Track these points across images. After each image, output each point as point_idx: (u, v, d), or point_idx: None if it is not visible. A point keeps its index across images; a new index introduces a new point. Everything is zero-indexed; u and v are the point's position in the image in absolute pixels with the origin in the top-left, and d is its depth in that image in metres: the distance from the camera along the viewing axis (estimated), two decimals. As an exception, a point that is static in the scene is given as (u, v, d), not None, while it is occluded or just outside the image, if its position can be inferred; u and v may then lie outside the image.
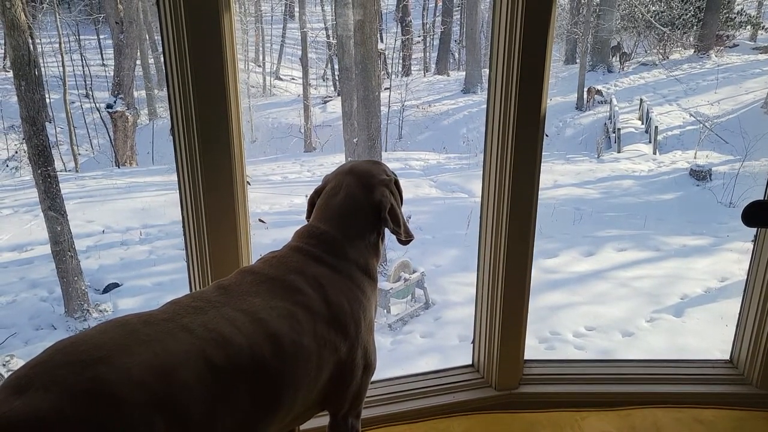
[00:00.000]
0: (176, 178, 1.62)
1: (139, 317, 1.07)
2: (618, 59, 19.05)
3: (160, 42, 1.53)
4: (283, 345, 1.14)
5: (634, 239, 8.01)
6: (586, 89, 16.35)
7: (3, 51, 16.98)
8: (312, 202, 1.48)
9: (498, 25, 1.68)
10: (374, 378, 1.98)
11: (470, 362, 2.07)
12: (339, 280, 1.31)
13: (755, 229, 1.89)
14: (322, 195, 1.45)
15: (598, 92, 16.34)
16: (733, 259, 7.23)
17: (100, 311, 7.02)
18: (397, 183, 1.50)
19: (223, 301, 1.16)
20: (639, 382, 2.00)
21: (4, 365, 5.58)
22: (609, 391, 1.97)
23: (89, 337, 0.99)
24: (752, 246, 1.97)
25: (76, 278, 7.04)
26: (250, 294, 1.20)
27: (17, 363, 5.58)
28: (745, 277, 1.98)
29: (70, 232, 7.16)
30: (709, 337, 5.73)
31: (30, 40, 7.34)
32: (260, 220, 7.89)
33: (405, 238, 1.44)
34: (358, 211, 1.40)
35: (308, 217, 1.48)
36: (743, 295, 2.00)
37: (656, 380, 2.00)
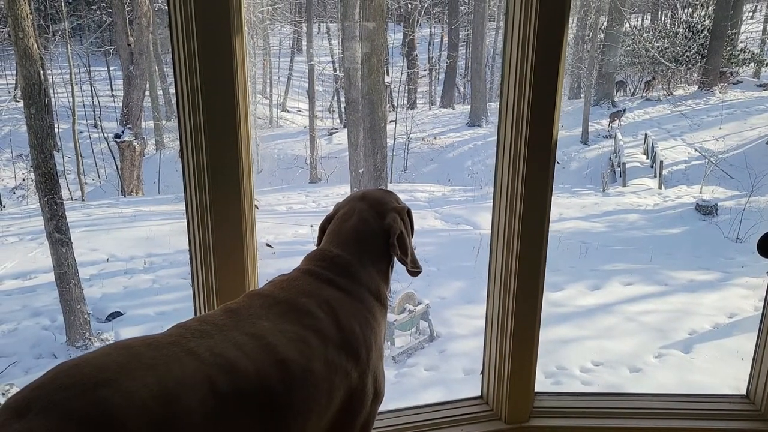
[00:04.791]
0: (182, 207, 1.61)
1: (143, 340, 1.04)
2: (642, 87, 19.32)
3: (171, 71, 1.54)
4: (292, 371, 1.10)
5: (640, 273, 7.95)
6: (609, 115, 16.78)
7: (14, 81, 17.23)
8: (323, 229, 1.47)
9: (509, 55, 1.68)
10: (379, 409, 1.94)
11: (479, 394, 2.02)
12: (350, 304, 1.28)
13: (769, 261, 1.86)
14: (334, 220, 1.44)
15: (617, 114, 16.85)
16: (742, 295, 7.15)
17: (102, 340, 6.96)
18: (409, 213, 1.50)
19: (231, 324, 1.13)
20: (653, 416, 1.95)
21: (3, 394, 5.52)
22: (622, 425, 1.92)
23: (92, 359, 0.97)
24: (767, 278, 1.94)
25: (78, 306, 7.00)
26: (258, 317, 1.17)
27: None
28: (762, 309, 1.94)
29: (75, 260, 7.15)
30: (719, 373, 5.64)
31: (41, 71, 7.44)
32: (267, 245, 7.86)
33: (411, 267, 1.42)
34: (371, 236, 1.39)
35: (318, 243, 1.47)
36: (759, 328, 1.96)
37: (671, 415, 1.95)
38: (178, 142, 1.57)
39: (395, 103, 19.02)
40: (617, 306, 7.13)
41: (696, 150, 14.45)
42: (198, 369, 1.01)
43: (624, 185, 12.95)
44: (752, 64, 19.30)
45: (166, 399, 0.94)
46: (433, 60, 24.34)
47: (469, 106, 19.47)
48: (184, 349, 1.03)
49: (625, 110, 17.22)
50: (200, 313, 1.67)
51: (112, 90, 19.56)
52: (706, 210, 10.11)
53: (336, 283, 1.29)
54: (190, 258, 1.65)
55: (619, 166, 13.79)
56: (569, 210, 10.81)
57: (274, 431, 1.08)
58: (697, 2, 20.40)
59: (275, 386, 1.08)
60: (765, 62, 19.35)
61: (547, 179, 1.71)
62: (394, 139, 16.08)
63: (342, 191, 11.91)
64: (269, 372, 1.08)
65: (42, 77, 7.34)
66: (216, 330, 1.11)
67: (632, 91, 19.95)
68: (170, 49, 1.49)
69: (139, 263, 8.52)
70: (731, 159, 13.45)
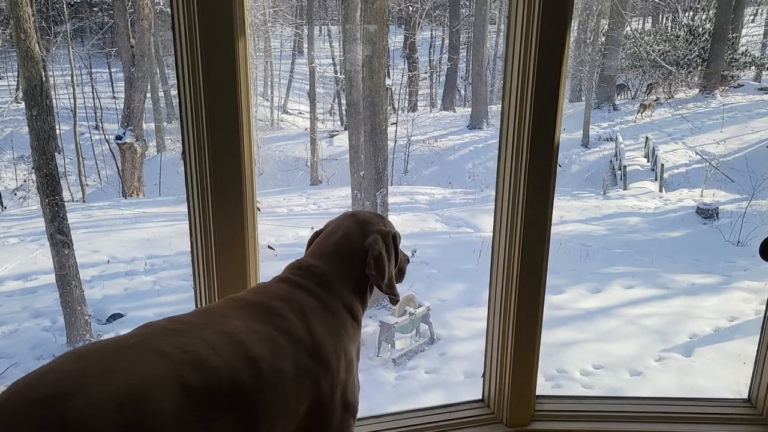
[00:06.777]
0: (183, 209, 1.61)
1: (103, 344, 1.03)
2: (643, 90, 19.43)
3: (172, 73, 1.54)
4: (262, 369, 1.10)
5: (641, 276, 7.94)
6: (639, 105, 16.93)
7: (16, 83, 17.26)
8: (311, 243, 1.49)
9: (511, 58, 1.68)
10: (379, 412, 1.94)
11: (480, 397, 2.02)
12: (323, 313, 1.29)
13: (771, 264, 1.86)
14: (321, 235, 1.46)
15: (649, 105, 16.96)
16: (743, 298, 7.14)
17: (102, 342, 6.96)
18: (395, 238, 1.48)
19: (203, 323, 1.14)
20: (655, 420, 1.94)
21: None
22: (622, 429, 1.91)
23: (56, 368, 0.95)
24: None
25: (79, 308, 7.00)
26: (231, 317, 1.17)
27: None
28: (763, 312, 1.94)
29: (76, 262, 7.15)
30: (720, 377, 5.63)
31: (43, 72, 7.45)
32: (269, 247, 7.87)
33: (386, 290, 1.40)
34: (351, 253, 1.39)
35: None
36: (761, 332, 1.95)
37: (672, 419, 1.95)
38: (179, 144, 1.57)
39: (396, 106, 19.02)
40: (618, 309, 7.12)
41: (697, 153, 14.45)
42: (166, 367, 1.00)
43: (625, 188, 12.95)
44: (753, 67, 19.32)
45: (136, 401, 0.93)
46: (434, 63, 24.37)
47: (469, 109, 19.49)
48: (151, 349, 1.02)
49: (658, 99, 17.16)
50: (201, 314, 1.67)
51: (113, 92, 19.58)
52: (707, 213, 10.10)
53: (311, 291, 1.30)
54: (192, 260, 1.65)
55: (620, 169, 13.79)
56: (570, 213, 10.80)
57: (245, 430, 1.07)
58: (698, 5, 20.44)
59: (246, 383, 1.08)
60: (766, 66, 19.36)
61: (549, 182, 1.71)
62: (395, 141, 16.09)
63: (342, 193, 11.91)
64: (240, 369, 1.08)
65: (43, 79, 7.35)
66: (187, 328, 1.11)
67: (633, 94, 19.95)
68: (173, 51, 1.49)
69: (140, 265, 8.52)
70: (732, 162, 13.45)
